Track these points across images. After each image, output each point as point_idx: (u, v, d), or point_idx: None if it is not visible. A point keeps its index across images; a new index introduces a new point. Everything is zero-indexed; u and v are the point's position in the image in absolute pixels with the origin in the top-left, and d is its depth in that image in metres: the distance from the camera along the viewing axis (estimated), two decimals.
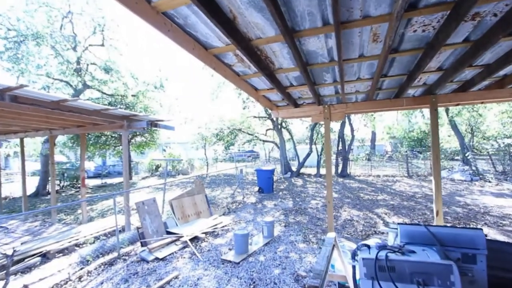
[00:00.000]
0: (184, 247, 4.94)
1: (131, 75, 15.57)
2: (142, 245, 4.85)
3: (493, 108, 14.53)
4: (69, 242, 4.94)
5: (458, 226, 5.35)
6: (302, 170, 16.70)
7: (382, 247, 2.52)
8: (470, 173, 12.16)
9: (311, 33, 2.10)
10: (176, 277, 3.85)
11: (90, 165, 20.14)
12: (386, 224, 6.04)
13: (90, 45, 14.41)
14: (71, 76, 13.80)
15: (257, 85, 3.67)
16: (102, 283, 3.77)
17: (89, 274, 4.02)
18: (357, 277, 2.40)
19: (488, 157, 12.88)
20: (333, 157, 16.54)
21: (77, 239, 5.08)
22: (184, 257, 4.54)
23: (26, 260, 4.23)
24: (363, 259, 2.26)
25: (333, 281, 3.39)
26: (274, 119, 16.31)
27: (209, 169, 20.85)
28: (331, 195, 4.38)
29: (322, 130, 18.00)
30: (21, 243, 4.99)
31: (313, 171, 16.68)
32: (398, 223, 2.89)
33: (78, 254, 4.44)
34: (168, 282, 3.70)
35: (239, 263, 4.22)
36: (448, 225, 5.93)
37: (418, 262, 2.07)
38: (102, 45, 14.59)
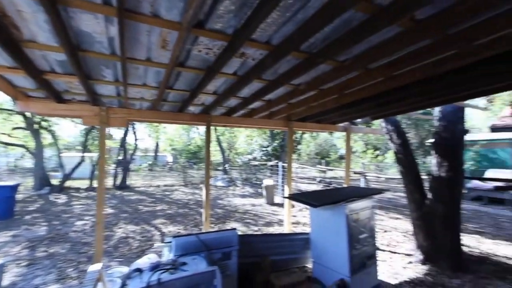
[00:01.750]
0: None
1: None
2: None
3: (243, 132, 19.95)
4: None
5: (221, 229, 6.38)
6: (69, 183, 13.31)
7: (154, 267, 2.36)
8: (227, 180, 15.60)
9: (86, 6, 1.59)
10: None
11: None
12: (162, 240, 6.06)
13: None
14: None
15: None
16: None
17: None
18: None
19: (238, 168, 17.30)
20: (113, 167, 14.79)
21: None
22: None
23: None
24: None
25: None
26: (30, 115, 11.80)
27: None
28: (102, 213, 3.66)
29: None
30: None
31: (84, 183, 13.81)
32: (173, 236, 2.90)
33: None
34: None
35: None
36: (212, 225, 7.03)
37: (187, 277, 2.10)
38: None
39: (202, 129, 24.52)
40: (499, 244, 5.50)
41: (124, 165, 14.46)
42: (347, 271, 3.27)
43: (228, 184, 15.02)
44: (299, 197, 3.70)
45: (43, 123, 12.92)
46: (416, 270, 4.24)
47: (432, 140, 4.47)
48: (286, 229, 5.24)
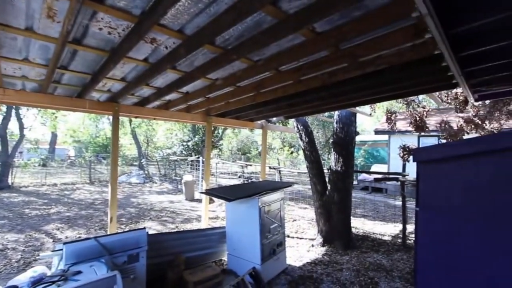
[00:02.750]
0: None
1: None
2: None
3: (162, 125, 18.69)
4: None
5: (127, 230, 5.85)
6: None
7: (36, 282, 1.97)
8: (143, 177, 14.37)
9: None
10: None
11: None
12: (53, 248, 5.13)
13: None
14: None
15: None
16: None
17: None
18: None
19: (156, 163, 16.15)
20: None
21: None
22: None
23: None
24: None
25: None
26: None
27: None
28: None
29: None
30: None
31: None
32: (64, 243, 2.48)
33: None
34: None
35: None
36: (123, 226, 6.37)
37: (80, 287, 1.84)
38: None
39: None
40: (377, 224, 6.85)
41: (4, 160, 11.54)
42: (259, 259, 3.49)
43: (144, 181, 13.85)
44: (215, 191, 3.72)
45: None
46: (317, 252, 4.87)
47: (331, 140, 5.20)
48: (204, 224, 5.20)
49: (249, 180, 11.13)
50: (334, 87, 3.04)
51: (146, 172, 15.19)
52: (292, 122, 6.05)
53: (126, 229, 6.08)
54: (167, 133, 17.51)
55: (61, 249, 2.49)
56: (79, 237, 5.64)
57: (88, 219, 6.99)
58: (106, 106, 3.77)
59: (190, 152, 15.05)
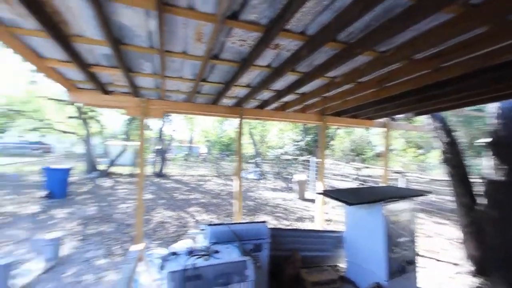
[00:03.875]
0: None
1: None
2: None
3: (275, 125, 19.86)
4: None
5: (252, 221, 6.46)
6: (114, 169, 14.53)
7: (190, 252, 2.47)
8: (259, 174, 15.71)
9: (126, 0, 1.67)
10: None
11: None
12: (197, 227, 6.34)
13: None
14: None
15: (43, 50, 2.58)
16: None
17: None
18: None
19: (270, 161, 17.32)
20: (152, 156, 15.84)
21: None
22: None
23: None
24: (170, 272, 2.08)
25: None
26: (82, 105, 13.03)
27: None
28: (142, 199, 3.94)
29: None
30: None
31: (127, 170, 14.94)
32: (208, 224, 3.00)
33: None
34: None
35: None
36: (244, 217, 7.15)
37: (220, 264, 2.16)
38: None
39: (234, 121, 24.89)
40: None
41: (162, 155, 15.33)
42: (385, 274, 3.10)
43: (259, 177, 15.11)
44: (332, 193, 3.58)
45: (91, 113, 14.09)
46: (465, 282, 3.87)
47: (486, 140, 4.00)
48: (317, 225, 5.14)
49: (365, 184, 10.17)
50: (490, 72, 2.32)
51: (261, 169, 16.55)
52: (421, 119, 5.08)
53: (247, 220, 6.80)
54: (279, 133, 18.50)
55: (205, 229, 3.02)
56: (212, 221, 6.75)
57: (217, 206, 8.27)
58: (233, 110, 4.34)
59: (301, 151, 15.30)
